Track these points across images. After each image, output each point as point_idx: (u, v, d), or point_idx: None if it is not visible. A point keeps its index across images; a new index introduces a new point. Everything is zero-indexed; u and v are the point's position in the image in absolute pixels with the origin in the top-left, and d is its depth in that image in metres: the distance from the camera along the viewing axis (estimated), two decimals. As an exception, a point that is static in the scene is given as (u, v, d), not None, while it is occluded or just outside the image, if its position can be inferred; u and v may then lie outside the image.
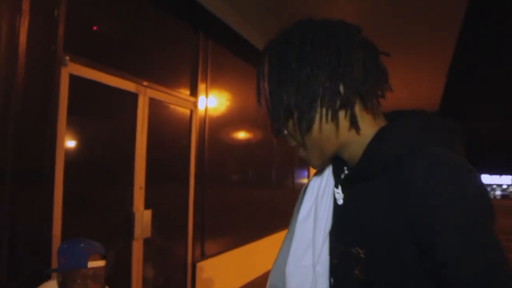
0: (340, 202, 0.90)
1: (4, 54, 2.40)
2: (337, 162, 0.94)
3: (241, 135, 5.83)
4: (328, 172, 0.97)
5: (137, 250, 3.56)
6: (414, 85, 7.82)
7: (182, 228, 4.24)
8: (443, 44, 5.96)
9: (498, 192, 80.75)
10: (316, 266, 0.92)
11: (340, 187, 0.90)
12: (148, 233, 3.63)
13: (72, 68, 2.85)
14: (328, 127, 0.82)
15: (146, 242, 3.66)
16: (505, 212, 22.68)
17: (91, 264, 1.78)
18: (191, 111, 4.39)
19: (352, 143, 0.84)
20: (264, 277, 5.84)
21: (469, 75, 19.61)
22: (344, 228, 0.87)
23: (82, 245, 1.84)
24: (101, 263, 1.83)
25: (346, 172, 0.91)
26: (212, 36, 4.77)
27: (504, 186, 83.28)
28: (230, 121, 5.34)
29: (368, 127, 0.84)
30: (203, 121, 4.57)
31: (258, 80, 0.86)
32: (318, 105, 0.81)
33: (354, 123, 0.82)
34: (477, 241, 0.69)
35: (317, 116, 0.82)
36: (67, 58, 2.76)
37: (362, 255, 0.80)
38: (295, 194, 1.08)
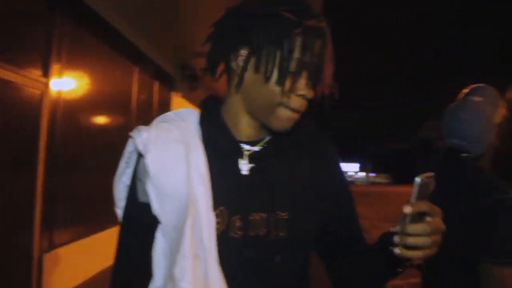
0: (245, 172, 0.92)
1: None
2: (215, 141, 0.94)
3: (100, 120, 5.59)
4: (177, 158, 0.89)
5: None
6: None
7: (26, 218, 3.95)
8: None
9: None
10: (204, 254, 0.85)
11: (247, 158, 0.93)
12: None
13: None
14: None
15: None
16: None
17: None
18: (42, 92, 4.08)
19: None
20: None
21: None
22: (256, 196, 0.90)
23: None
24: None
25: (251, 147, 0.95)
26: (71, 16, 4.47)
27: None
28: (88, 105, 5.08)
29: None
30: (56, 103, 4.28)
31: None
32: None
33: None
34: None
35: None
36: None
37: (285, 217, 0.91)
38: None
